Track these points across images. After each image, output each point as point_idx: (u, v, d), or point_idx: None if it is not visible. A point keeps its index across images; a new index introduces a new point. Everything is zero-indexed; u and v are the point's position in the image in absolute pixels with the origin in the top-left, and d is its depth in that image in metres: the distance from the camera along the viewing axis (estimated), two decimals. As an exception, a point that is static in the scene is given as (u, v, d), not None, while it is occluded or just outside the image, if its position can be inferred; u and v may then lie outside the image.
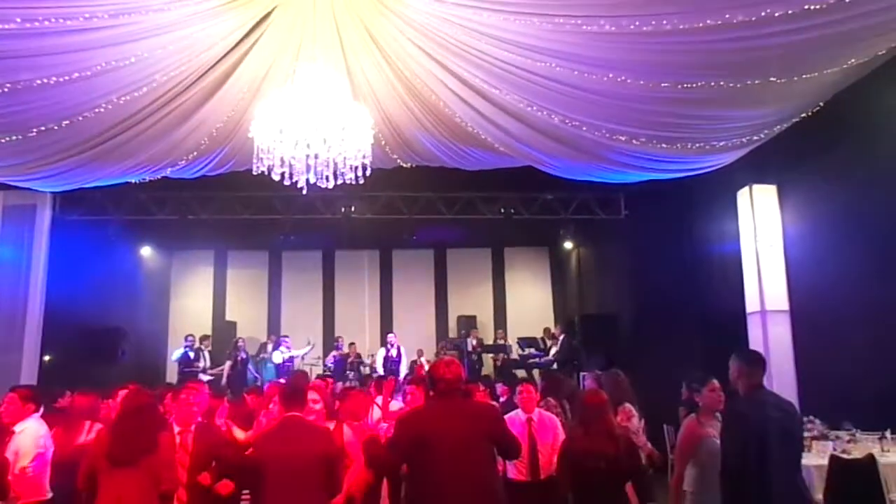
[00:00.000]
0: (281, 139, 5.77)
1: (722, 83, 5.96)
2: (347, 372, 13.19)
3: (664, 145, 7.46)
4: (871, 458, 5.22)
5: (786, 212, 8.52)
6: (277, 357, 13.08)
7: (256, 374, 13.20)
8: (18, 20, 5.02)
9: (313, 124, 5.67)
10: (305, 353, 13.51)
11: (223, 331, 14.62)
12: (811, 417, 6.29)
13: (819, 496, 5.19)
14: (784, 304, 8.34)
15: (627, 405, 5.53)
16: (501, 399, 7.86)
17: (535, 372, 12.96)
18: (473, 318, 15.52)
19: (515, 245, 16.46)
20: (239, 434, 5.24)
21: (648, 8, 5.05)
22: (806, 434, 5.67)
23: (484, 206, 12.39)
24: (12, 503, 4.48)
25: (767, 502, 3.58)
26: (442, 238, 15.13)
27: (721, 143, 7.51)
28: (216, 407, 5.51)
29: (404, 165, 9.10)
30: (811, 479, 5.16)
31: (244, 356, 13.12)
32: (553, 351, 13.19)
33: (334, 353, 13.58)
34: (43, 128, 6.87)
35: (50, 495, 4.79)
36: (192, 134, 7.68)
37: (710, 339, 9.25)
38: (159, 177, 9.06)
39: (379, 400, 6.31)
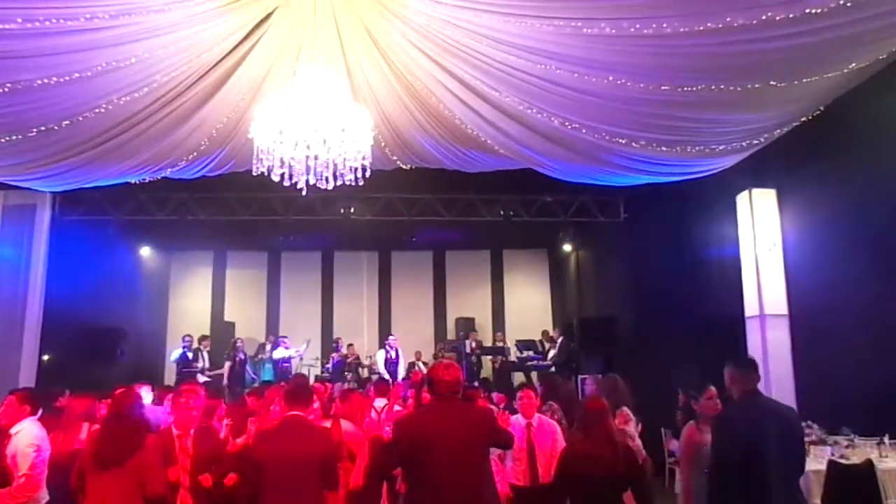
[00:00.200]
0: (281, 140, 5.78)
1: (722, 87, 5.96)
2: (346, 373, 13.19)
3: (664, 148, 7.46)
4: (869, 464, 5.22)
5: (785, 216, 8.51)
6: (279, 353, 13.09)
7: (254, 376, 13.20)
8: (19, 20, 5.01)
9: (313, 125, 5.69)
10: (303, 351, 13.51)
11: (222, 331, 14.62)
12: (809, 422, 6.29)
13: (817, 501, 5.19)
14: (783, 308, 8.33)
15: (625, 409, 5.55)
16: (501, 406, 7.86)
17: (533, 375, 12.97)
18: (472, 320, 15.53)
19: (514, 247, 16.48)
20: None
21: (649, 11, 5.04)
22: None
23: (483, 208, 12.40)
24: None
25: None
26: (441, 240, 15.15)
27: (721, 147, 7.51)
28: (214, 408, 5.51)
29: (404, 167, 9.10)
30: (809, 485, 5.15)
31: (242, 357, 13.13)
32: (551, 354, 13.19)
33: (334, 354, 13.58)
34: (43, 128, 6.87)
35: (46, 498, 4.79)
36: (192, 134, 7.68)
37: (708, 343, 9.24)
38: (159, 177, 9.06)
39: (377, 403, 6.31)
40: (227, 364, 12.73)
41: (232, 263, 16.20)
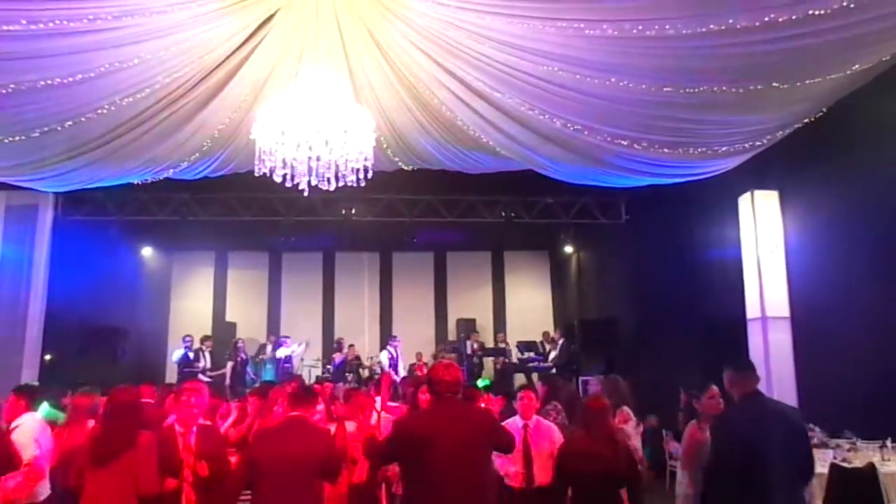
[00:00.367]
0: (283, 141, 5.78)
1: (724, 88, 5.96)
2: (346, 374, 13.20)
3: (666, 150, 7.46)
4: (871, 467, 5.21)
5: (787, 218, 8.50)
6: (282, 352, 13.10)
7: (254, 376, 13.21)
8: (23, 22, 5.02)
9: (315, 126, 5.69)
10: (301, 352, 13.51)
11: (223, 331, 14.62)
12: (811, 425, 6.25)
13: (819, 504, 5.18)
14: (785, 310, 8.32)
15: (625, 409, 5.55)
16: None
17: (534, 377, 12.97)
18: (473, 321, 15.52)
19: (516, 248, 16.49)
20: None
21: (651, 12, 5.04)
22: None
23: (484, 209, 12.40)
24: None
25: None
26: (442, 241, 15.15)
27: (723, 149, 7.50)
28: (216, 407, 5.52)
29: (405, 168, 9.11)
30: (811, 488, 5.14)
31: (244, 357, 13.15)
32: (552, 355, 13.19)
33: (336, 354, 13.57)
34: (46, 128, 6.88)
35: (48, 492, 4.83)
36: (194, 135, 7.69)
37: (709, 345, 9.23)
38: (161, 178, 9.07)
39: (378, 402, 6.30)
40: (230, 364, 12.76)
41: (233, 264, 16.21)
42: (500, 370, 13.85)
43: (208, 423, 4.89)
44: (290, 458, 3.89)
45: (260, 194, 11.47)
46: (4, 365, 9.88)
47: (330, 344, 14.89)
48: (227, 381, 12.45)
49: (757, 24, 4.89)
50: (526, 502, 5.01)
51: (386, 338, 14.68)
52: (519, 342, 14.10)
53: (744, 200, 8.83)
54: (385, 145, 7.97)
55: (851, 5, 4.60)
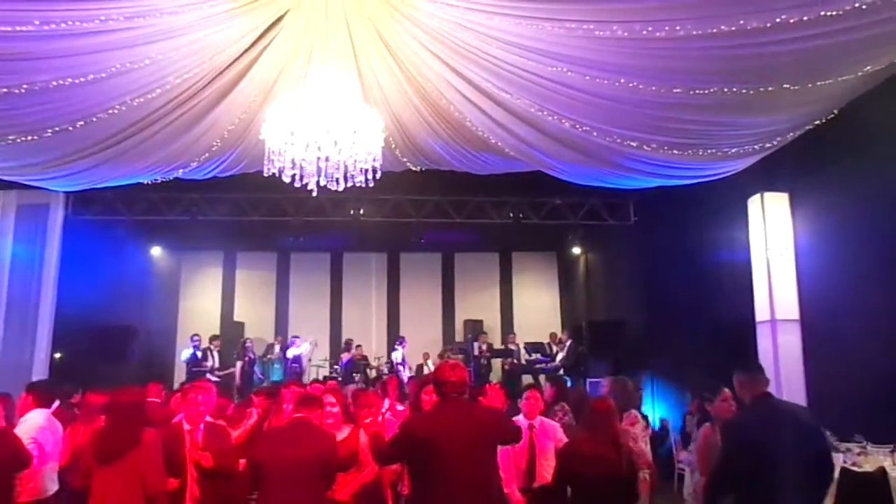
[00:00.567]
0: (292, 141, 5.80)
1: (735, 89, 5.93)
2: (354, 374, 13.21)
3: (675, 151, 7.43)
4: (882, 472, 5.18)
5: (797, 220, 8.46)
6: (293, 352, 13.14)
7: (261, 376, 13.25)
8: (36, 22, 5.06)
9: (324, 127, 5.70)
10: (307, 352, 13.54)
11: (231, 331, 14.69)
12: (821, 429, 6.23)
13: (829, 509, 5.15)
14: (794, 313, 8.27)
15: (633, 411, 5.52)
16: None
17: (541, 378, 12.94)
18: (480, 322, 15.52)
19: (523, 249, 16.47)
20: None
21: (661, 13, 5.02)
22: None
23: (492, 210, 12.39)
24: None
25: None
26: (450, 241, 15.15)
27: (733, 150, 7.47)
28: (224, 407, 5.53)
29: (413, 169, 9.12)
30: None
31: (251, 357, 13.20)
32: (560, 356, 13.16)
33: (344, 354, 13.59)
34: (58, 128, 6.92)
35: (55, 488, 4.87)
36: (204, 135, 7.72)
37: (718, 347, 9.20)
38: (171, 178, 9.11)
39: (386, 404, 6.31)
40: (239, 364, 12.81)
41: (242, 264, 16.26)
42: (508, 371, 13.84)
43: (217, 421, 4.92)
44: (293, 460, 3.91)
45: (269, 195, 11.51)
46: (15, 363, 9.96)
47: (337, 344, 14.92)
48: (237, 380, 12.51)
49: (768, 25, 4.86)
50: (528, 502, 5.00)
51: (393, 338, 14.71)
52: (526, 343, 14.08)
53: (753, 202, 8.79)
54: (393, 146, 7.99)
55: (864, 7, 4.57)
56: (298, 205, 11.92)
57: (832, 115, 6.79)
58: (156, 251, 14.37)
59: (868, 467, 5.37)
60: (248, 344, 13.37)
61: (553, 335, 14.24)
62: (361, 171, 6.08)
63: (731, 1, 4.82)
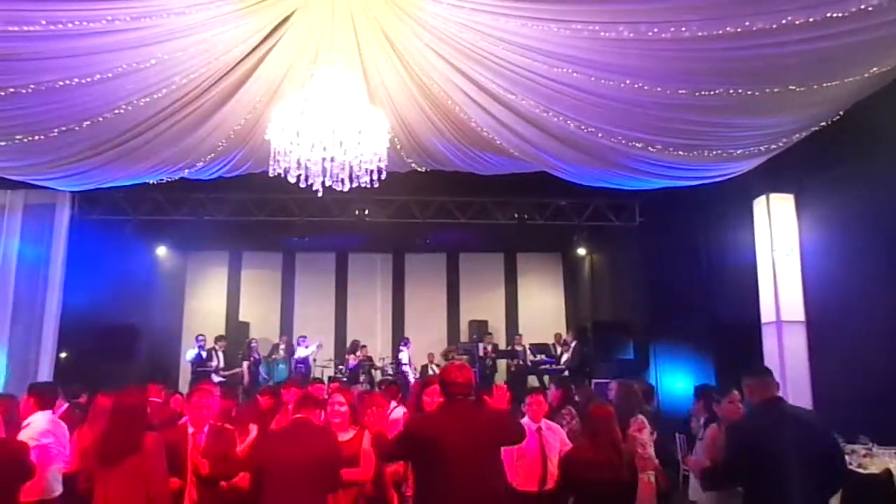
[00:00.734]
0: (297, 142, 5.81)
1: (740, 91, 5.92)
2: (359, 375, 13.22)
3: (681, 152, 7.42)
4: (888, 474, 5.16)
5: (803, 221, 8.44)
6: (302, 353, 13.15)
7: (266, 376, 13.27)
8: (43, 22, 5.08)
9: (330, 127, 5.70)
10: (314, 352, 13.56)
11: (236, 331, 14.72)
12: (827, 430, 6.21)
13: (834, 511, 5.13)
14: (800, 314, 8.25)
15: (640, 417, 5.50)
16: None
17: (545, 379, 12.94)
18: (485, 322, 15.52)
19: (528, 250, 16.46)
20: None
21: (668, 14, 5.02)
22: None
23: (497, 210, 12.39)
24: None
25: None
26: (455, 242, 15.14)
27: (738, 152, 7.45)
28: (229, 409, 5.54)
29: (419, 169, 9.12)
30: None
31: (257, 357, 13.23)
32: (565, 358, 13.15)
33: (351, 356, 13.58)
34: (64, 128, 6.95)
35: (59, 490, 4.88)
36: (210, 136, 7.74)
37: (723, 349, 9.18)
38: (177, 178, 9.14)
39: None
40: (245, 364, 12.85)
41: (247, 264, 16.29)
42: (514, 372, 13.84)
43: (223, 425, 4.91)
44: (294, 461, 3.91)
45: (274, 195, 11.53)
46: (21, 363, 10.01)
47: (342, 345, 14.94)
48: (245, 380, 12.54)
49: (774, 26, 4.85)
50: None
51: (398, 339, 14.71)
52: (531, 344, 14.08)
53: (759, 203, 8.77)
54: (399, 146, 7.99)
55: (870, 8, 4.56)
56: (304, 205, 11.94)
57: (838, 117, 6.78)
58: (161, 251, 14.40)
59: (874, 469, 5.35)
60: (253, 344, 13.40)
61: (557, 336, 14.24)
62: (367, 171, 6.09)
63: (737, 2, 4.81)
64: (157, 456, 4.07)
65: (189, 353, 12.66)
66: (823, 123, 6.92)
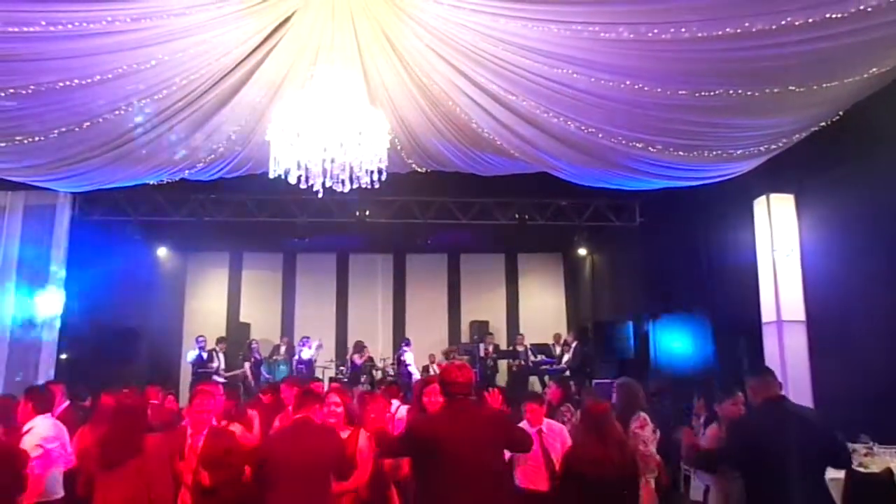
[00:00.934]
0: (298, 143, 5.81)
1: (740, 91, 5.92)
2: (361, 376, 13.21)
3: (681, 153, 7.42)
4: (889, 473, 5.16)
5: (803, 222, 8.44)
6: (306, 353, 13.14)
7: (268, 376, 13.27)
8: (43, 23, 5.08)
9: (330, 128, 5.71)
10: (316, 354, 13.55)
11: (237, 332, 14.72)
12: (828, 430, 6.21)
13: (836, 510, 5.13)
14: (800, 314, 8.26)
15: (642, 414, 5.50)
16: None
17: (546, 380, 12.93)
18: (486, 323, 15.51)
19: (529, 251, 16.46)
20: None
21: (667, 15, 5.02)
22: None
23: (498, 211, 12.38)
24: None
25: None
26: (456, 243, 15.14)
27: (739, 152, 7.45)
28: (231, 408, 5.55)
29: (419, 170, 9.12)
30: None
31: (258, 358, 13.23)
32: (566, 358, 13.15)
33: (355, 356, 13.56)
34: (64, 129, 6.95)
35: (61, 493, 4.86)
36: (210, 137, 7.74)
37: (724, 348, 9.18)
38: (177, 178, 9.14)
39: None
40: (247, 365, 12.85)
41: (248, 265, 16.29)
42: (515, 373, 13.84)
43: (224, 426, 4.89)
44: (298, 460, 3.91)
45: (275, 196, 11.52)
46: (21, 364, 10.01)
47: (343, 345, 14.94)
48: (251, 379, 12.54)
49: (773, 27, 4.86)
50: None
51: (399, 340, 14.70)
52: (532, 345, 14.08)
53: (759, 204, 8.78)
54: (399, 147, 8.00)
55: (869, 9, 4.56)
56: (304, 206, 11.94)
57: (838, 117, 6.78)
58: (162, 252, 14.40)
59: (874, 468, 5.35)
60: (253, 345, 13.40)
61: (556, 336, 14.24)
62: (367, 172, 6.09)
63: (737, 3, 4.81)
64: (159, 459, 4.06)
65: (190, 355, 12.66)
66: (823, 124, 6.92)
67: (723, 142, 7.23)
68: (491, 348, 14.06)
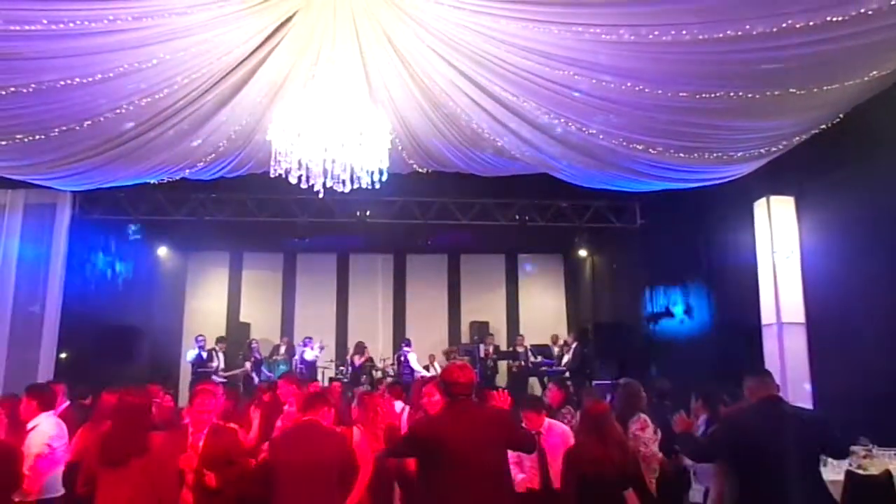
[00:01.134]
0: (299, 142, 5.82)
1: (741, 93, 5.93)
2: (361, 377, 13.19)
3: (681, 155, 7.43)
4: (887, 475, 5.15)
5: (803, 224, 8.44)
6: (309, 354, 13.13)
7: (269, 374, 13.27)
8: (45, 22, 5.09)
9: (331, 128, 5.71)
10: (317, 355, 13.55)
11: (237, 332, 14.71)
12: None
13: (834, 512, 5.13)
14: (800, 316, 8.25)
15: (642, 416, 5.51)
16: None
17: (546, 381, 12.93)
18: (486, 324, 15.50)
19: (529, 252, 16.45)
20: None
21: (668, 17, 5.03)
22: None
23: (498, 212, 12.38)
24: (23, 497, 4.53)
25: None
26: (456, 243, 15.13)
27: (739, 154, 7.46)
28: (231, 408, 5.55)
29: (420, 170, 9.13)
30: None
31: (258, 357, 13.22)
32: (566, 359, 13.14)
33: (357, 356, 13.55)
34: (65, 128, 6.96)
35: (61, 491, 4.85)
36: (211, 136, 7.75)
37: (724, 350, 9.18)
38: (178, 178, 9.15)
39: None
40: (248, 364, 12.85)
41: (248, 265, 16.28)
42: (515, 374, 13.83)
43: (225, 425, 4.89)
44: (305, 463, 3.91)
45: (275, 196, 11.52)
46: (21, 363, 10.00)
47: (343, 346, 14.93)
48: (255, 378, 12.53)
49: (774, 29, 4.87)
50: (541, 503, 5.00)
51: (399, 340, 14.70)
52: (532, 346, 14.08)
53: (759, 206, 8.77)
54: (400, 147, 8.00)
55: (869, 12, 4.57)
56: (305, 206, 11.93)
57: (838, 120, 6.79)
58: (162, 251, 14.39)
59: (874, 470, 5.34)
60: (254, 345, 13.40)
61: (554, 337, 14.23)
62: (368, 172, 6.10)
63: (738, 6, 4.82)
64: (165, 458, 4.04)
65: (189, 354, 12.66)
66: (824, 126, 6.94)
67: (723, 144, 7.24)
68: (491, 349, 14.05)
